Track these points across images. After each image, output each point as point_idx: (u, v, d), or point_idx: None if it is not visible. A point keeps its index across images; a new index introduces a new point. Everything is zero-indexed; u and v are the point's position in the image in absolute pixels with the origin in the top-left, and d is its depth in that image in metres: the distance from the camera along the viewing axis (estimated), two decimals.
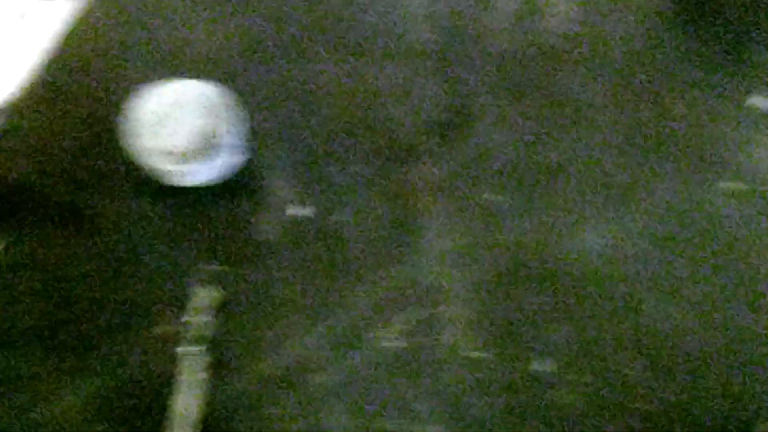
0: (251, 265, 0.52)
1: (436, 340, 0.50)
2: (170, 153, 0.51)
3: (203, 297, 0.50)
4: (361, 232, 0.53)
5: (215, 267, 0.52)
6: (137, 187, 0.54)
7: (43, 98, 0.57)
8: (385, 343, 0.50)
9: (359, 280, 0.52)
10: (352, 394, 0.49)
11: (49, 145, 0.56)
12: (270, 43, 0.59)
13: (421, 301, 0.51)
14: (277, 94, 0.58)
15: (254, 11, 0.60)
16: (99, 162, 0.55)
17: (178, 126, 0.52)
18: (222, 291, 0.51)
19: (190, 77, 0.53)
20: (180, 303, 0.51)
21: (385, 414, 0.48)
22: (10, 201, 0.54)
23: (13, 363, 0.49)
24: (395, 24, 0.60)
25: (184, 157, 0.51)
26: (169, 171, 0.52)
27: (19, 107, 0.57)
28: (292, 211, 0.54)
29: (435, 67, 0.58)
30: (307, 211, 0.54)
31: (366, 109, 0.57)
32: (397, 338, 0.50)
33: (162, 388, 0.48)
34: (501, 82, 0.57)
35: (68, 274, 0.52)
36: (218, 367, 0.49)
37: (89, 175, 0.55)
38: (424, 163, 0.55)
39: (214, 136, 0.52)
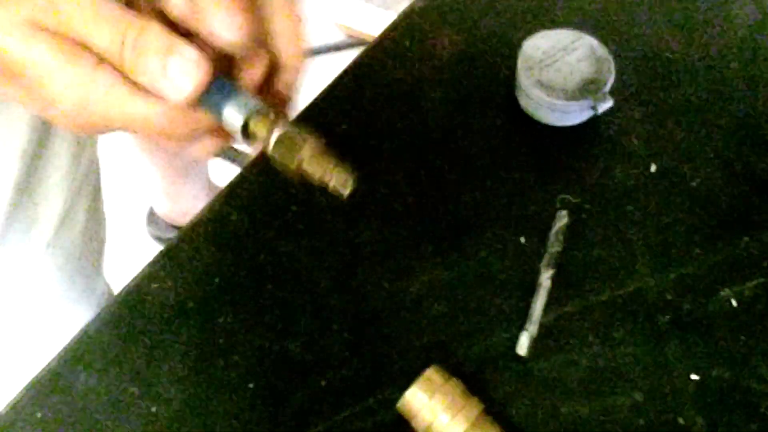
0: (603, 203, 0.57)
1: None
2: (554, 89, 0.58)
3: (561, 221, 0.55)
4: (711, 200, 0.57)
5: (572, 198, 0.57)
6: (518, 127, 0.61)
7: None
8: None
9: (712, 242, 0.55)
10: None
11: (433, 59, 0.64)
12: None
13: None
14: (645, 59, 0.64)
15: None
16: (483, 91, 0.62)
17: (565, 67, 0.59)
18: (572, 218, 0.56)
19: (580, 29, 0.61)
20: (543, 225, 0.56)
21: None
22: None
23: None
24: None
25: (566, 94, 0.57)
26: (548, 107, 0.58)
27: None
28: (643, 167, 0.59)
29: None
30: (653, 169, 0.58)
31: (722, 99, 0.62)
32: None
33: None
34: None
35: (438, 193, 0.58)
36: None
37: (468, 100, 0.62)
38: None
39: (594, 83, 0.58)
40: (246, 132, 0.35)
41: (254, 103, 0.35)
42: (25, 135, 0.54)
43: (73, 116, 0.32)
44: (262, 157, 0.58)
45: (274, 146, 0.35)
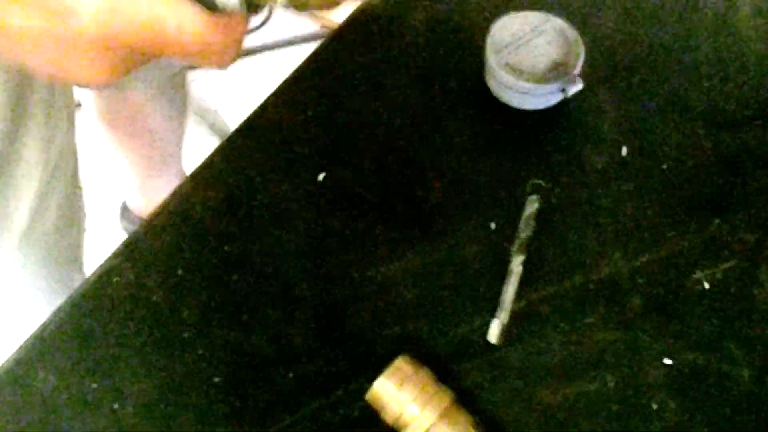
0: (574, 187, 0.56)
1: None
2: (523, 72, 0.56)
3: (532, 206, 0.54)
4: (682, 182, 0.56)
5: (543, 183, 0.56)
6: (487, 111, 0.60)
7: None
8: None
9: (684, 225, 0.55)
10: None
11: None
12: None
13: None
14: (614, 41, 0.63)
15: None
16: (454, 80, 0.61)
17: (534, 49, 0.58)
18: (543, 203, 0.55)
19: (549, 11, 0.60)
20: (513, 210, 0.55)
21: None
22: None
23: None
24: None
25: (535, 77, 0.56)
26: (518, 90, 0.57)
27: None
28: (614, 150, 0.58)
29: None
30: (624, 153, 0.57)
31: (692, 81, 0.61)
32: None
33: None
34: None
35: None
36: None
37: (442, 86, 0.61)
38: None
39: (563, 66, 0.57)
40: (248, 3, 0.33)
41: None
42: None
43: (96, 25, 0.29)
44: (226, 144, 0.58)
45: None
